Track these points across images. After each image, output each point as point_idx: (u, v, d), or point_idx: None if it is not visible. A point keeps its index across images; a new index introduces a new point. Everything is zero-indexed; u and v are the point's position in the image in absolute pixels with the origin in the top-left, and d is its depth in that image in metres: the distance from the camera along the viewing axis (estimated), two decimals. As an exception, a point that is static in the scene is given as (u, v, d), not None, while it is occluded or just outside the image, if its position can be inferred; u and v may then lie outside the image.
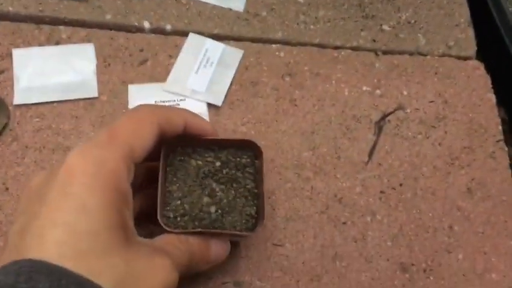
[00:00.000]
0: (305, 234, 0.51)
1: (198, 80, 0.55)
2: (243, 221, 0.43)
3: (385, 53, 0.61)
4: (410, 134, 0.57)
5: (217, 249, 0.42)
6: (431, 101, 0.59)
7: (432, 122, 0.58)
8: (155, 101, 0.54)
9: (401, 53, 0.62)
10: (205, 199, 0.44)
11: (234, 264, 0.48)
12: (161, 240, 0.39)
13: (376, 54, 0.61)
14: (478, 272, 0.51)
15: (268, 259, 0.49)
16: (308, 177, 0.53)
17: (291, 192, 0.52)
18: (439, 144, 0.57)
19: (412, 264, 0.51)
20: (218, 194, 0.44)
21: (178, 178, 0.44)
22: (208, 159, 0.45)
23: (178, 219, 0.42)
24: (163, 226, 0.41)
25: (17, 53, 0.54)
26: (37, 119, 0.52)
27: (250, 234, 0.42)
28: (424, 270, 0.50)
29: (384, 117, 0.57)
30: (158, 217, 0.41)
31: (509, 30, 0.64)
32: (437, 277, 0.50)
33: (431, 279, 0.50)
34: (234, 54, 0.58)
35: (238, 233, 0.42)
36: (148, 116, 0.38)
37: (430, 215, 0.53)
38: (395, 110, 0.58)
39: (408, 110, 0.58)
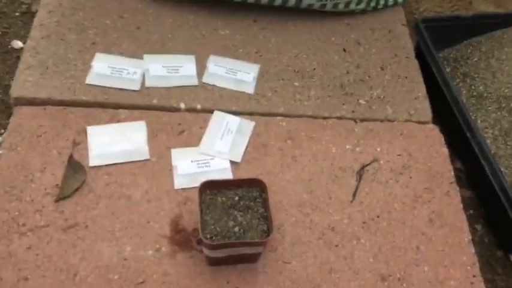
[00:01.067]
0: (307, 255, 0.67)
1: (222, 144, 0.75)
2: (259, 235, 0.60)
3: (362, 120, 0.81)
4: (383, 179, 0.75)
5: None
6: (399, 155, 0.78)
7: (400, 170, 0.76)
8: (191, 160, 0.73)
9: (374, 120, 0.81)
10: (231, 223, 0.61)
11: (254, 277, 0.65)
12: None
13: (355, 122, 0.81)
14: (440, 280, 0.67)
15: (280, 273, 0.66)
16: (307, 213, 0.71)
17: (295, 224, 0.70)
18: (406, 186, 0.75)
19: (390, 275, 0.67)
20: (239, 218, 0.62)
21: (210, 210, 0.62)
22: (230, 195, 0.64)
23: (213, 238, 0.60)
24: (206, 242, 0.58)
25: (90, 129, 0.74)
26: (106, 176, 0.71)
27: (265, 241, 0.59)
28: (399, 279, 0.67)
29: (363, 167, 0.76)
30: (201, 238, 0.59)
31: (456, 103, 0.85)
32: (409, 284, 0.66)
33: (404, 286, 0.66)
34: (248, 125, 0.78)
35: (256, 241, 0.59)
36: None
37: (402, 238, 0.70)
38: (371, 162, 0.77)
39: (381, 162, 0.77)
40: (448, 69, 0.94)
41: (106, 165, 0.72)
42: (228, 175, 0.72)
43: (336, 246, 0.68)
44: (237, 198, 0.63)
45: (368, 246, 0.69)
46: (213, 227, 0.61)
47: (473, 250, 0.70)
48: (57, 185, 0.69)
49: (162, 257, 0.65)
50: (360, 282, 0.66)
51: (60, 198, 0.68)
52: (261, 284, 0.65)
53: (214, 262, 0.64)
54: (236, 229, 0.61)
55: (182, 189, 0.71)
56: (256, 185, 0.64)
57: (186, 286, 0.63)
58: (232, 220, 0.62)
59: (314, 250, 0.68)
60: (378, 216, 0.71)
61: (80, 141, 0.73)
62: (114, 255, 0.64)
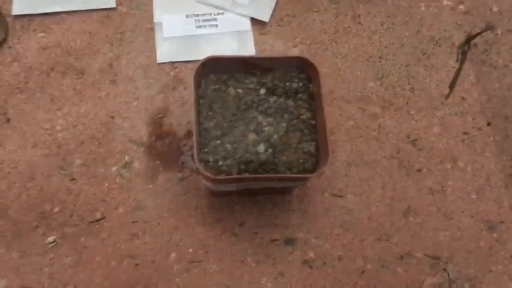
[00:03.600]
0: (371, 184, 0.42)
1: (239, -11, 0.44)
2: (300, 161, 0.34)
3: (471, -42, 0.49)
4: (501, 61, 0.46)
5: None
6: (529, 21, 0.48)
7: (529, 47, 0.47)
8: (187, 15, 0.44)
9: (491, -41, 0.49)
10: (251, 136, 0.34)
11: (285, 218, 0.40)
12: None
13: (460, -40, 0.49)
14: None
15: (326, 213, 0.40)
16: (375, 113, 0.43)
17: (353, 131, 0.43)
18: (537, 75, 0.46)
19: (501, 222, 0.42)
20: (266, 128, 0.34)
21: (215, 112, 0.35)
22: (250, 85, 0.36)
23: (220, 163, 0.33)
24: (203, 172, 0.32)
25: (14, -50, 0.43)
26: (42, 34, 0.42)
27: (311, 176, 0.33)
28: (516, 230, 0.41)
29: (468, 39, 0.46)
30: (195, 161, 0.32)
31: None
32: (532, 238, 0.41)
33: (524, 241, 0.41)
34: (284, -43, 0.46)
35: (296, 176, 0.33)
36: None
37: (525, 162, 0.43)
38: (483, 30, 0.47)
39: (499, 32, 0.47)
40: None
41: (42, 14, 0.43)
42: (249, 46, 0.44)
43: (419, 171, 0.42)
44: (263, 91, 0.35)
45: (470, 173, 0.43)
46: (218, 141, 0.34)
47: None
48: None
49: (133, 178, 0.39)
50: (453, 231, 0.41)
51: (-39, 71, 0.40)
52: (295, 229, 0.40)
53: (218, 193, 0.39)
54: (260, 148, 0.34)
55: (171, 63, 0.43)
56: (299, 69, 0.36)
57: (171, 228, 0.39)
58: (254, 131, 0.34)
59: (383, 177, 0.42)
60: (489, 124, 0.44)
61: (-3, -29, 0.43)
62: (53, 172, 0.39)
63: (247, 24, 0.44)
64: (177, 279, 0.38)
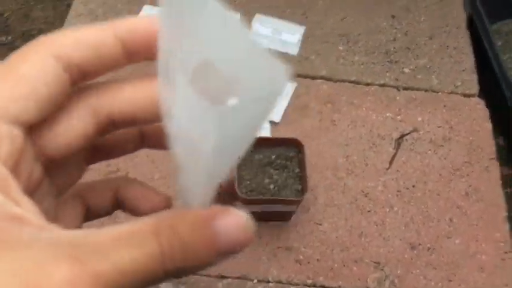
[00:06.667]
0: (339, 218, 0.68)
1: (262, 103, 0.75)
2: (293, 194, 0.61)
3: (405, 89, 0.80)
4: (422, 149, 0.75)
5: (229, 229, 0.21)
6: (440, 126, 0.77)
7: (440, 142, 0.75)
8: (231, 117, 0.74)
9: (418, 89, 0.80)
10: (266, 180, 0.62)
11: (287, 235, 0.66)
12: (107, 233, 0.19)
13: (398, 90, 0.80)
14: (470, 254, 0.67)
15: (311, 233, 0.67)
16: (342, 177, 0.71)
17: (329, 187, 0.70)
18: (445, 158, 0.74)
19: (419, 244, 0.67)
20: (275, 176, 0.63)
21: (247, 167, 0.63)
22: (267, 153, 0.64)
23: (248, 193, 0.61)
24: (241, 196, 0.60)
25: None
26: None
27: (299, 199, 0.60)
28: (428, 249, 0.67)
29: (402, 136, 0.75)
30: (237, 191, 0.60)
31: (504, 76, 0.82)
32: (438, 255, 0.67)
33: (433, 256, 0.67)
34: (289, 86, 0.78)
35: (291, 199, 0.61)
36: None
37: (435, 209, 0.70)
38: (411, 131, 0.76)
39: (421, 132, 0.76)
40: (499, 43, 0.91)
41: None
42: (266, 134, 0.73)
43: (368, 211, 0.69)
44: (273, 156, 0.64)
45: (400, 214, 0.69)
46: (248, 182, 0.62)
47: (507, 227, 0.69)
48: None
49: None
50: (389, 248, 0.67)
51: None
52: (292, 241, 0.66)
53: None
54: (271, 186, 0.62)
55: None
56: (293, 145, 0.65)
57: (219, 237, 0.65)
58: (268, 178, 0.63)
59: (346, 214, 0.68)
60: (413, 186, 0.71)
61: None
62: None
63: (266, 123, 0.75)
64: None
